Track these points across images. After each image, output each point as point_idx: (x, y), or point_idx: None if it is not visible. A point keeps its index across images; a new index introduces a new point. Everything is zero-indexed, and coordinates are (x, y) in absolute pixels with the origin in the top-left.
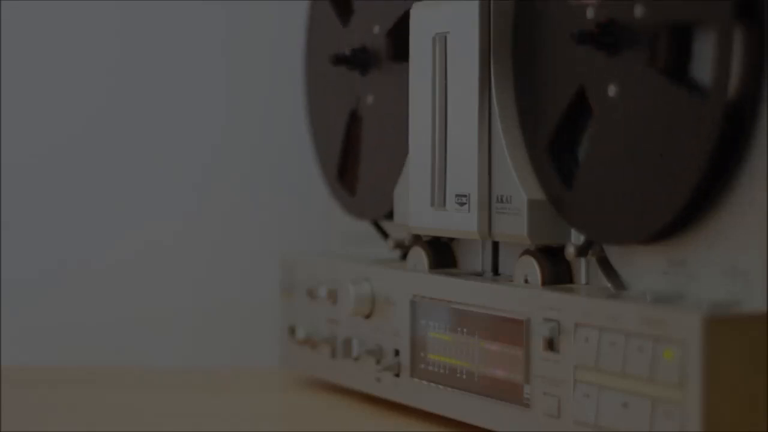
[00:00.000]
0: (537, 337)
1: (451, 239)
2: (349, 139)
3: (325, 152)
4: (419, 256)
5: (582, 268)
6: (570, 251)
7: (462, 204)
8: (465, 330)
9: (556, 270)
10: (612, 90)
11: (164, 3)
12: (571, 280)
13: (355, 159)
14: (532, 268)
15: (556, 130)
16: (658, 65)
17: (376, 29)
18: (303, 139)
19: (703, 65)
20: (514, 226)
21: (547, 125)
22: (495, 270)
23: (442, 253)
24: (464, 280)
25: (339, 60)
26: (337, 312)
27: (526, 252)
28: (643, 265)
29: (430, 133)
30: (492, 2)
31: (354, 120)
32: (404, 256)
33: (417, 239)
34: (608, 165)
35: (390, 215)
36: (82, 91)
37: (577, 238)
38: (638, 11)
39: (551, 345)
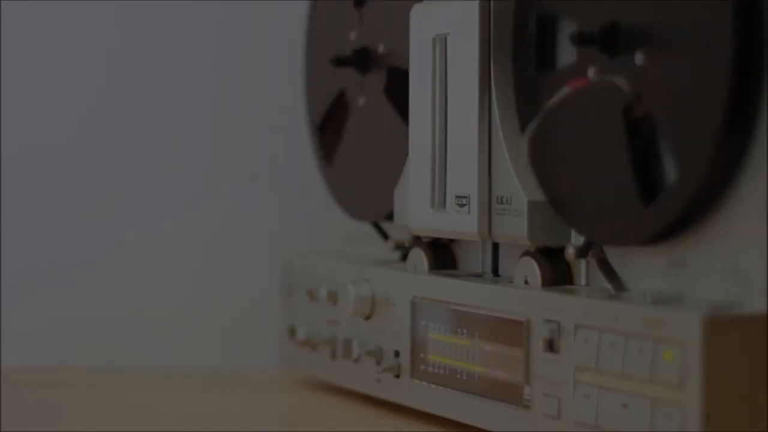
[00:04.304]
0: (537, 338)
1: (451, 240)
2: (349, 139)
3: (325, 152)
4: (419, 257)
5: (582, 269)
6: (570, 252)
7: (462, 205)
8: (465, 331)
9: (556, 271)
10: (619, 92)
11: (165, 3)
12: (571, 282)
13: (355, 159)
14: (532, 269)
15: (557, 133)
16: (658, 59)
17: (381, 48)
18: (303, 139)
19: (703, 56)
20: (514, 227)
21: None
22: (495, 271)
23: (442, 254)
24: (464, 281)
25: (340, 61)
26: (337, 313)
27: (526, 253)
28: (643, 266)
29: (430, 134)
30: (492, 3)
31: (353, 120)
32: (404, 257)
33: (417, 240)
34: (608, 166)
35: (390, 216)
36: (80, 89)
37: (576, 239)
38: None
39: (551, 346)
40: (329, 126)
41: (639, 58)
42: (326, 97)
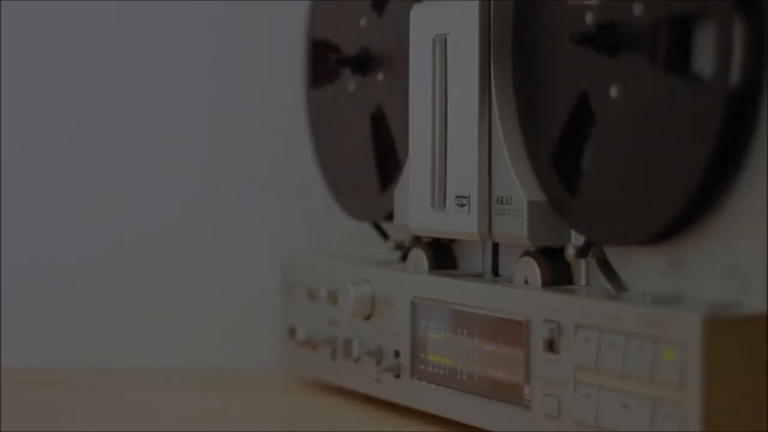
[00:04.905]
0: (537, 338)
1: (451, 240)
2: (350, 139)
3: (325, 152)
4: (419, 257)
5: (582, 269)
6: (570, 252)
7: (462, 205)
8: (465, 331)
9: (556, 271)
10: (613, 91)
11: (165, 3)
12: (571, 282)
13: (355, 159)
14: (532, 269)
15: (558, 133)
16: (658, 62)
17: (380, 77)
18: (303, 139)
19: (704, 59)
20: (514, 227)
21: (549, 128)
22: (495, 271)
23: (442, 254)
24: (464, 281)
25: (340, 61)
26: (337, 313)
27: (526, 253)
28: (643, 266)
29: (430, 134)
30: (492, 3)
31: (353, 120)
32: (404, 257)
33: (417, 240)
34: (608, 166)
35: (390, 216)
36: (80, 89)
37: (576, 239)
38: (637, 9)
39: (551, 346)
40: (330, 126)
41: (637, 59)
42: (327, 96)
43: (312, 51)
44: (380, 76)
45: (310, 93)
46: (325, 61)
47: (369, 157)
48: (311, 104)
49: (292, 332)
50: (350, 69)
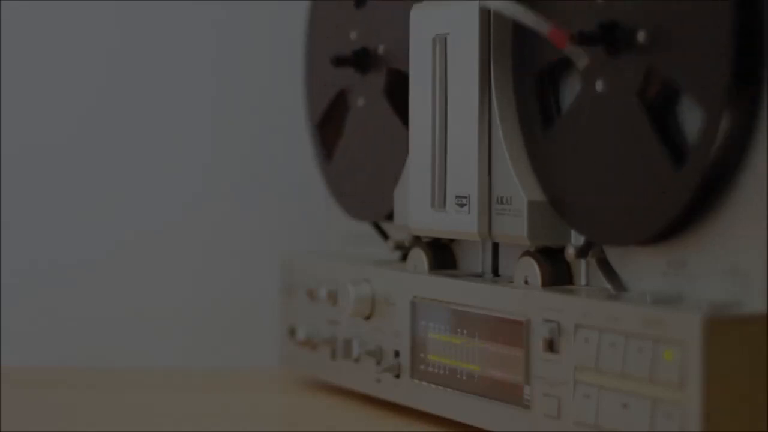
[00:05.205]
0: (537, 338)
1: (451, 240)
2: (349, 139)
3: (325, 150)
4: (419, 257)
5: (582, 269)
6: (570, 252)
7: (462, 205)
8: (465, 331)
9: (556, 271)
10: (614, 90)
11: (165, 3)
12: (571, 282)
13: (355, 159)
14: (532, 269)
15: (557, 131)
16: (658, 62)
17: (381, 49)
18: (303, 139)
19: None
20: (514, 227)
21: (548, 126)
22: (495, 271)
23: (442, 254)
24: (464, 281)
25: (340, 61)
26: (337, 313)
27: (526, 253)
28: (643, 266)
29: (430, 134)
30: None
31: (353, 120)
32: (404, 257)
33: (417, 240)
34: (608, 166)
35: (390, 216)
36: (80, 89)
37: (576, 239)
38: (637, 10)
39: (551, 346)
40: (329, 124)
41: (635, 59)
42: (326, 95)
43: (318, 133)
44: (381, 49)
45: (325, 167)
46: (331, 138)
47: (395, 126)
48: (329, 177)
49: (292, 332)
50: (352, 68)
